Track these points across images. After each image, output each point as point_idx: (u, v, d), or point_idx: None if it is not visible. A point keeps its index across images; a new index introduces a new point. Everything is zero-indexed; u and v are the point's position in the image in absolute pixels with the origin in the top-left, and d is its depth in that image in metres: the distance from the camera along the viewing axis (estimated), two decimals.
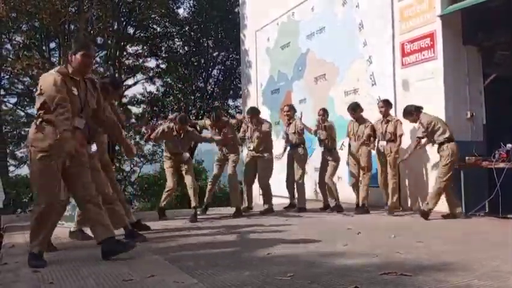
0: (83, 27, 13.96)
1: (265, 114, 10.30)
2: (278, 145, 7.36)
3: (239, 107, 17.55)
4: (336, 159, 6.68)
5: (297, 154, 6.82)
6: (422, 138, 5.72)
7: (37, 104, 3.24)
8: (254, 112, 6.72)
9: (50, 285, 2.67)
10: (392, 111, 6.55)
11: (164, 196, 6.13)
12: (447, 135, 5.51)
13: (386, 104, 6.28)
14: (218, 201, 13.26)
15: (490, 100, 6.52)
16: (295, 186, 6.93)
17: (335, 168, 6.66)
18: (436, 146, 5.64)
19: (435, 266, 2.90)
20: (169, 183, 6.03)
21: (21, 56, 14.29)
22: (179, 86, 18.10)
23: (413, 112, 5.75)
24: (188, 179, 5.94)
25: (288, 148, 6.99)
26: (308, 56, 8.94)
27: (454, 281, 2.54)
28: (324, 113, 6.68)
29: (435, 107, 6.13)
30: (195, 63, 18.36)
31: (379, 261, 3.10)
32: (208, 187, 6.80)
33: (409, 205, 6.56)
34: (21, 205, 11.15)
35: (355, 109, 6.46)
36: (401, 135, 6.13)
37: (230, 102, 19.10)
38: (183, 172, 6.02)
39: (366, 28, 7.45)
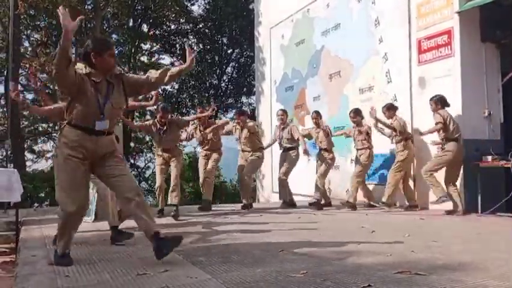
0: (99, 25, 14.10)
1: None
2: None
3: (252, 104, 17.55)
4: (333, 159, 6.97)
5: (289, 156, 7.00)
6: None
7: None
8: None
9: (66, 278, 2.71)
10: (407, 110, 6.58)
11: (158, 198, 6.00)
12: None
13: (389, 109, 6.41)
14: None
15: (508, 98, 6.41)
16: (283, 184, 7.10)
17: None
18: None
19: (450, 266, 2.87)
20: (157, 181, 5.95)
21: (39, 53, 14.50)
22: (193, 83, 18.18)
23: (438, 103, 5.80)
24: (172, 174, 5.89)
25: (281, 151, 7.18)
26: (323, 53, 8.89)
27: (469, 281, 2.50)
28: (317, 115, 6.95)
29: (452, 105, 6.04)
30: (209, 61, 18.42)
31: (393, 260, 3.07)
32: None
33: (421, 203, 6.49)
34: (39, 199, 11.33)
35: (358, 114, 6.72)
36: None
37: (244, 99, 19.13)
38: (171, 166, 5.95)
39: (382, 25, 7.37)
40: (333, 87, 8.53)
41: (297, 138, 6.81)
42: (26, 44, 16.63)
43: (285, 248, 3.51)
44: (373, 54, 7.52)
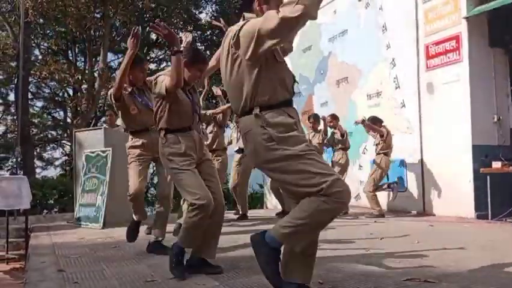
0: (108, 33, 14.24)
1: None
2: None
3: None
4: None
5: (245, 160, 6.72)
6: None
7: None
8: None
9: (75, 284, 2.72)
10: (416, 116, 6.55)
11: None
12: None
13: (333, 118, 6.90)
14: None
15: None
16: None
17: None
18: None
19: (460, 274, 2.84)
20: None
21: (49, 61, 14.68)
22: (201, 89, 18.27)
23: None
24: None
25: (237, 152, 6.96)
26: (330, 59, 8.89)
27: None
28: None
29: (460, 110, 6.01)
30: None
31: (402, 267, 3.04)
32: None
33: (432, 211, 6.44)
34: (48, 206, 11.41)
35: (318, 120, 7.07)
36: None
37: None
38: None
39: (389, 30, 7.36)
40: (341, 93, 8.52)
41: None
42: (36, 52, 16.85)
43: None
44: (381, 60, 7.50)
